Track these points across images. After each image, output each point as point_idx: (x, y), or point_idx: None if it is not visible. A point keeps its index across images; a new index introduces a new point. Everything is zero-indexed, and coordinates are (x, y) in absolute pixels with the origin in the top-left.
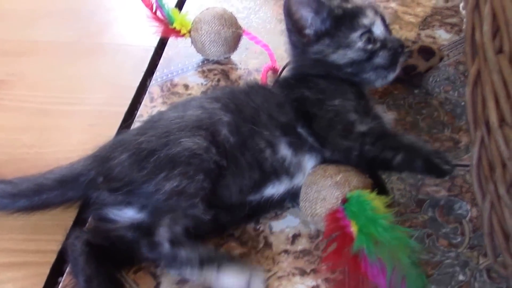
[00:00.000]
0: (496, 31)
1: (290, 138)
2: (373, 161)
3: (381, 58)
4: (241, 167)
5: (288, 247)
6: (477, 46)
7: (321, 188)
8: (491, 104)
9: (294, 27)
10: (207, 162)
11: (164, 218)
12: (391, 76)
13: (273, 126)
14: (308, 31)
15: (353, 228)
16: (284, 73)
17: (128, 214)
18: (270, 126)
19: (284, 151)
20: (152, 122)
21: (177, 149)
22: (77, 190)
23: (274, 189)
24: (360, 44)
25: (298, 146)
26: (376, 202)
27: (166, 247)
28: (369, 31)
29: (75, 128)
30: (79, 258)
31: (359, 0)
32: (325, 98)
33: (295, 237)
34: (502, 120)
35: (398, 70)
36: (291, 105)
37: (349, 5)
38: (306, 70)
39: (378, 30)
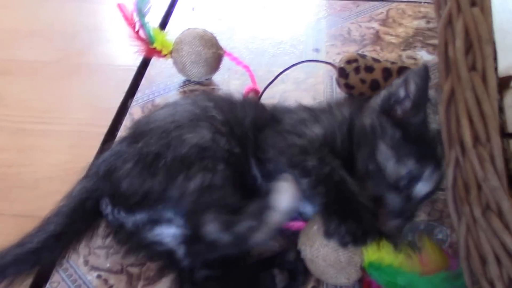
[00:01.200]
0: (469, 48)
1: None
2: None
3: (391, 200)
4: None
5: None
6: (450, 63)
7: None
8: (464, 123)
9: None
10: (220, 152)
11: (206, 216)
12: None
13: (251, 140)
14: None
15: None
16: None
17: (168, 230)
18: (250, 139)
19: (255, 171)
20: (141, 126)
21: (184, 149)
22: (86, 218)
23: None
24: (402, 172)
25: (264, 171)
26: (391, 259)
27: (225, 237)
28: (414, 180)
29: (55, 148)
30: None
31: None
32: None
33: None
34: (476, 140)
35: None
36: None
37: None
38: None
39: (420, 191)
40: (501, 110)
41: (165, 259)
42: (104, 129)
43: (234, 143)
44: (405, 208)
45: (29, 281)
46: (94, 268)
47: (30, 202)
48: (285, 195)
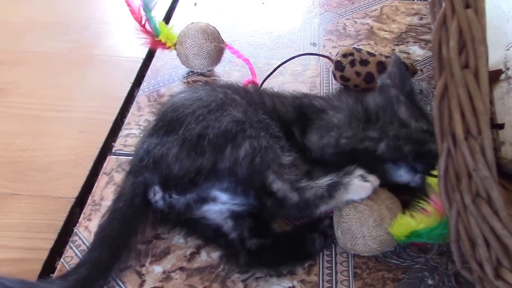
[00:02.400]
0: (462, 47)
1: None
2: (353, 154)
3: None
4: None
5: None
6: (444, 61)
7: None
8: (457, 117)
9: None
10: (256, 123)
11: (267, 176)
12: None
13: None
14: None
15: None
16: None
17: (214, 207)
18: (276, 120)
19: (293, 128)
20: (170, 114)
21: (223, 125)
22: (138, 215)
23: None
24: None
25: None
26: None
27: (294, 197)
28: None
29: (66, 134)
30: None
31: None
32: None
33: None
34: (467, 132)
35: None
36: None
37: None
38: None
39: None
40: (490, 102)
41: (211, 233)
42: (112, 116)
43: (262, 114)
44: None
45: (37, 270)
46: None
47: (44, 183)
48: (365, 187)
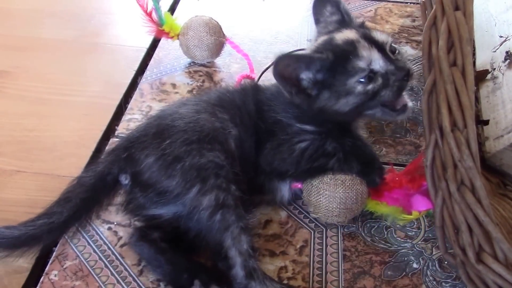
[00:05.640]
0: (450, 46)
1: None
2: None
3: (384, 97)
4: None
5: (260, 231)
6: (433, 59)
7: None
8: (444, 111)
9: (292, 89)
10: (232, 173)
11: (225, 238)
12: (401, 117)
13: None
14: (308, 90)
15: None
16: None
17: (168, 210)
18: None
19: (262, 176)
20: (167, 120)
21: (202, 160)
22: (106, 190)
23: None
24: (359, 88)
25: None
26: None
27: (240, 275)
28: (367, 72)
29: (71, 116)
30: (159, 255)
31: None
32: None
33: (267, 222)
34: (454, 125)
35: (407, 112)
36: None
37: (339, 41)
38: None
39: (377, 65)
40: (477, 99)
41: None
42: (115, 102)
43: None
44: (393, 82)
45: None
46: (105, 221)
47: (48, 162)
48: None
